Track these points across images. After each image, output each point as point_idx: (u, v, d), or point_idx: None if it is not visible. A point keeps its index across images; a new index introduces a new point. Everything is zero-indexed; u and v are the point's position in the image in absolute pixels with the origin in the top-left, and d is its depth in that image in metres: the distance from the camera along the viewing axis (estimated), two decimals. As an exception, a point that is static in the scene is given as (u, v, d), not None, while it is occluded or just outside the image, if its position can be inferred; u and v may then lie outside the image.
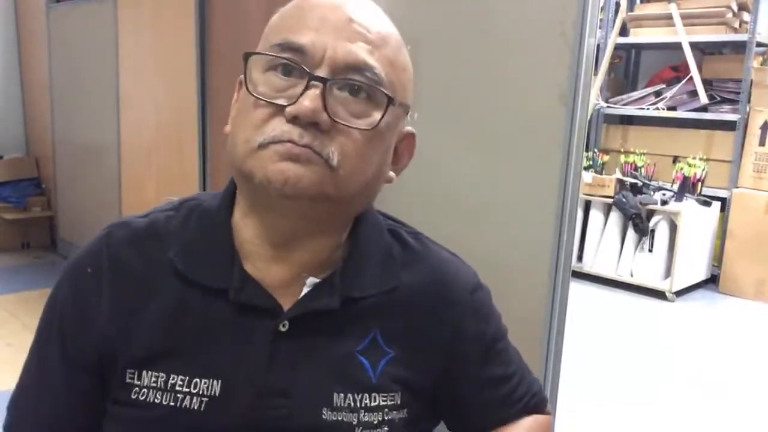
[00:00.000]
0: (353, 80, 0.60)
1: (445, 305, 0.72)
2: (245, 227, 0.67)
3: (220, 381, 0.63)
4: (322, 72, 0.59)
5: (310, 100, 0.58)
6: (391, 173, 0.69)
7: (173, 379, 0.63)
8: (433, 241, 0.77)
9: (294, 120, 0.59)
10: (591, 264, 4.19)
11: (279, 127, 0.59)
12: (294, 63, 0.60)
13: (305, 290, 0.66)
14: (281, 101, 0.60)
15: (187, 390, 0.63)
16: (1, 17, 4.16)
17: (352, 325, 0.67)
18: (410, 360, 0.69)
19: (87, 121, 3.48)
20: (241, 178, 0.63)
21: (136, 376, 0.64)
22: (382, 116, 0.61)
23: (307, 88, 0.59)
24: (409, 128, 0.70)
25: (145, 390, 0.63)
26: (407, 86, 0.67)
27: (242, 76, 0.64)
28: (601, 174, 4.25)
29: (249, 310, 0.65)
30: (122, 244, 0.68)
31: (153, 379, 0.64)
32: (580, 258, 4.22)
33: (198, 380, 0.63)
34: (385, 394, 0.67)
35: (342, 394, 0.65)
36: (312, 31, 0.60)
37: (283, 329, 0.65)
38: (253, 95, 0.61)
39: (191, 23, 2.55)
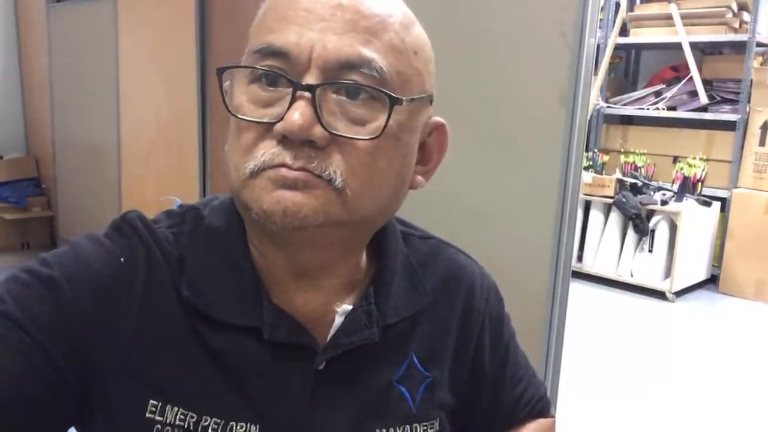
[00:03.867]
0: (347, 81, 0.51)
1: (468, 313, 0.68)
2: (261, 256, 0.58)
3: (258, 426, 0.56)
4: (311, 77, 0.50)
5: (299, 114, 0.49)
6: (419, 177, 0.59)
7: (206, 421, 0.55)
8: (448, 243, 0.72)
9: (284, 140, 0.50)
10: (591, 264, 4.19)
11: (269, 149, 0.51)
12: (276, 71, 0.51)
13: (338, 319, 0.59)
14: (267, 119, 0.51)
15: None
16: (2, 17, 4.16)
17: (388, 353, 0.62)
18: (445, 380, 0.66)
19: (87, 121, 3.48)
20: (241, 209, 0.55)
21: (158, 411, 0.54)
22: (386, 121, 0.51)
23: (293, 99, 0.50)
24: (437, 119, 0.60)
25: (169, 428, 0.54)
26: (424, 71, 0.56)
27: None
28: (601, 174, 4.25)
29: (283, 347, 0.57)
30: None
31: (180, 417, 0.54)
32: (580, 258, 4.22)
33: (234, 424, 0.55)
34: (426, 423, 0.63)
35: (384, 430, 0.60)
36: (295, 27, 0.51)
37: (321, 368, 0.58)
38: (235, 116, 0.53)
39: (191, 23, 2.55)
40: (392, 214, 0.61)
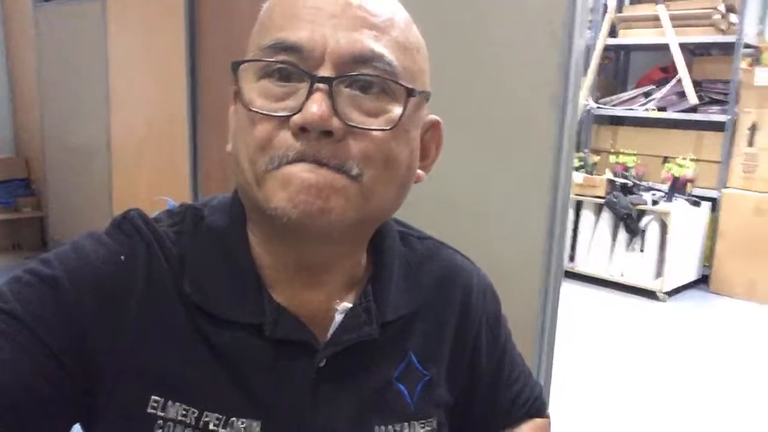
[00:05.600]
0: (363, 75, 0.52)
1: (466, 313, 0.69)
2: (265, 254, 0.59)
3: (259, 422, 0.56)
4: (325, 71, 0.51)
5: (317, 106, 0.50)
6: (420, 172, 0.61)
7: (207, 416, 0.55)
8: (445, 243, 0.73)
9: (302, 132, 0.51)
10: (582, 264, 4.21)
11: (286, 143, 0.51)
12: (292, 65, 0.52)
13: (338, 317, 0.60)
14: (283, 112, 0.52)
15: (224, 431, 0.56)
16: (-10, 17, 4.13)
17: (387, 351, 0.63)
18: (443, 378, 0.67)
19: (77, 121, 3.46)
20: (253, 207, 0.56)
21: (160, 406, 0.55)
22: (403, 111, 0.53)
23: (311, 92, 0.51)
24: (433, 116, 0.62)
25: (171, 424, 0.55)
26: (424, 68, 0.58)
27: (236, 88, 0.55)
28: (592, 174, 4.27)
29: (284, 344, 0.58)
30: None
31: (182, 412, 0.55)
32: (571, 258, 4.24)
33: (235, 420, 0.56)
34: (423, 421, 0.64)
35: (383, 427, 0.61)
36: (306, 23, 0.52)
37: (321, 365, 0.59)
38: (250, 110, 0.53)
39: (181, 21, 2.54)
40: (399, 207, 0.61)
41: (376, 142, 0.53)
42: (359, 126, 0.52)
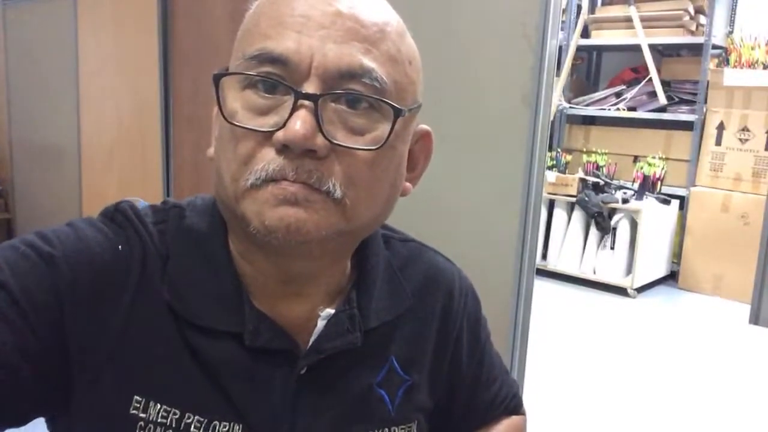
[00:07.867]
0: (349, 91, 0.50)
1: (448, 315, 0.69)
2: (246, 263, 0.58)
3: (241, 426, 0.56)
4: (311, 86, 0.49)
5: (301, 123, 0.48)
6: (407, 184, 0.59)
7: (189, 418, 0.55)
8: (426, 245, 0.73)
9: (285, 149, 0.49)
10: (555, 262, 4.25)
11: (268, 158, 0.50)
12: (276, 78, 0.50)
13: (320, 323, 0.59)
14: (266, 128, 0.50)
15: None
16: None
17: (369, 357, 0.62)
18: (424, 382, 0.67)
19: (46, 121, 3.40)
20: (234, 220, 0.54)
21: (142, 407, 0.54)
22: (390, 131, 0.51)
23: (295, 108, 0.49)
24: (423, 126, 0.60)
25: (151, 426, 0.54)
26: (416, 80, 0.56)
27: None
28: (565, 173, 4.32)
29: (265, 352, 0.57)
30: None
31: (163, 414, 0.54)
32: (544, 256, 4.28)
33: (217, 423, 0.55)
34: (404, 426, 0.64)
35: None
36: (293, 33, 0.50)
37: (302, 372, 0.58)
38: (232, 124, 0.51)
39: (153, 21, 2.51)
40: (384, 221, 0.60)
41: (360, 162, 0.51)
42: (344, 145, 0.50)
